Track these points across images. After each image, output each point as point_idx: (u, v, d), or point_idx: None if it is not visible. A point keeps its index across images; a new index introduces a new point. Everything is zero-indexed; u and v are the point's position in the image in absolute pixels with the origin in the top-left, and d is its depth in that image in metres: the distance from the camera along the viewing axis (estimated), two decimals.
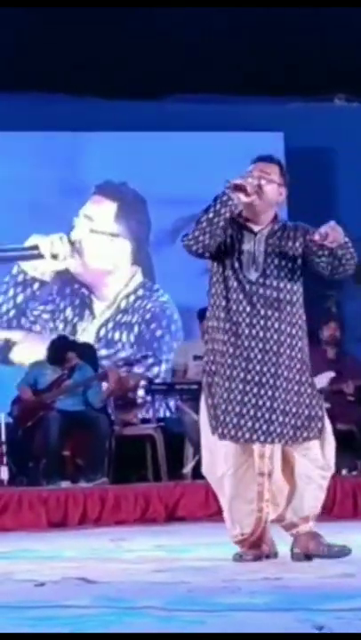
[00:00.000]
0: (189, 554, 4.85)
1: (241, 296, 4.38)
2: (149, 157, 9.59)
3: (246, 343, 4.35)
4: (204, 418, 4.48)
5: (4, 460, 7.72)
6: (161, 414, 8.79)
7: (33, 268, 9.91)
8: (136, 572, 4.17)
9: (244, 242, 4.44)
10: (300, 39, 8.86)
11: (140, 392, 8.61)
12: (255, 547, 4.42)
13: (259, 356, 4.35)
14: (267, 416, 4.32)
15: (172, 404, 8.50)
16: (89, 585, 3.77)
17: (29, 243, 9.86)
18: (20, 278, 9.88)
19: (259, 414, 4.31)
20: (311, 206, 8.59)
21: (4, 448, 7.76)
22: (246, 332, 4.36)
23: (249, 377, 4.34)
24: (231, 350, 4.36)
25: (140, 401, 8.69)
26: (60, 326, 9.83)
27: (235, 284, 4.39)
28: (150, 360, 9.42)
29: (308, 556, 4.36)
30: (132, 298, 10.02)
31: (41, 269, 9.92)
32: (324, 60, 8.98)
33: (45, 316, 9.88)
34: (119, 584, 3.78)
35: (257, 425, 4.31)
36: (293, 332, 4.41)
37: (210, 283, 4.50)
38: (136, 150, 9.61)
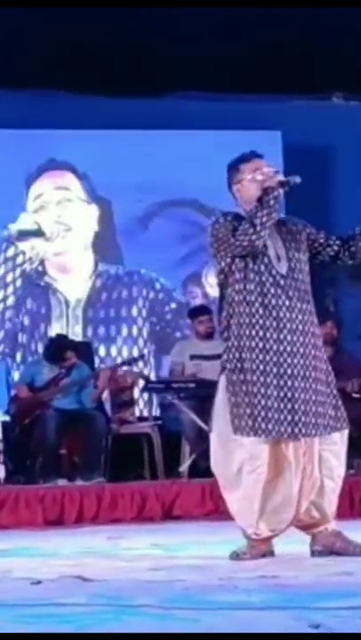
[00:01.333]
0: (186, 552, 4.84)
1: (279, 290, 4.36)
2: (148, 155, 9.57)
3: (289, 337, 4.33)
4: (221, 415, 4.40)
5: (1, 457, 7.72)
6: (158, 413, 8.79)
7: (31, 248, 9.54)
8: (132, 570, 4.17)
9: None
10: (299, 38, 8.86)
11: (137, 390, 8.60)
12: (256, 546, 4.41)
13: (301, 350, 4.34)
14: (314, 409, 4.31)
15: (169, 402, 8.51)
16: (85, 583, 3.76)
17: (27, 221, 9.53)
18: (20, 260, 9.52)
19: (308, 408, 4.30)
20: (309, 204, 8.59)
21: (1, 446, 7.75)
22: (288, 326, 4.34)
23: (295, 372, 4.32)
24: (275, 347, 4.32)
25: (136, 399, 8.69)
26: (25, 320, 9.47)
27: (270, 278, 4.37)
28: (146, 359, 9.34)
29: (332, 553, 4.36)
30: (105, 276, 9.72)
31: (37, 250, 9.55)
32: (323, 59, 8.97)
33: (8, 313, 9.53)
34: (116, 582, 3.77)
35: (308, 419, 4.30)
36: (317, 322, 4.46)
37: (231, 280, 4.42)
38: (135, 148, 9.59)
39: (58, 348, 8.11)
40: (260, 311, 4.35)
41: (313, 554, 4.40)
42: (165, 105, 9.72)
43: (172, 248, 9.76)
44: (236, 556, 4.37)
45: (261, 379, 4.31)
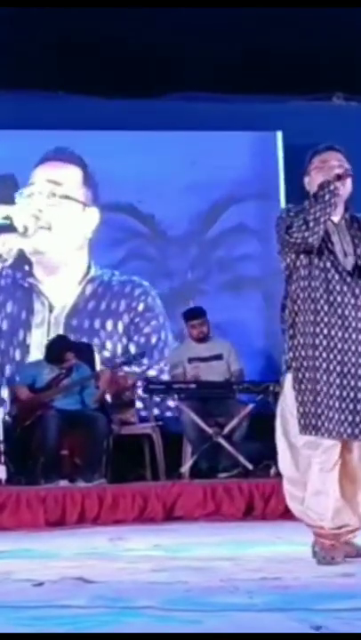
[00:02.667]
0: (187, 553, 4.84)
1: (345, 288, 4.27)
2: (146, 156, 9.55)
3: (354, 336, 4.25)
4: (288, 414, 4.31)
5: (2, 458, 7.71)
6: (159, 413, 8.78)
7: (1, 244, 8.88)
8: (134, 571, 4.16)
9: (329, 233, 4.35)
10: (299, 38, 8.85)
11: (138, 391, 8.60)
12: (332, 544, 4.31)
13: None
14: None
15: (170, 403, 8.51)
16: (87, 584, 3.76)
17: None
18: None
19: None
20: None
21: (2, 447, 7.75)
22: (353, 324, 4.25)
23: (360, 372, 4.23)
24: (340, 345, 4.23)
25: (137, 400, 8.68)
26: (4, 325, 8.88)
27: (336, 275, 4.28)
28: (146, 360, 9.14)
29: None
30: (97, 282, 9.16)
31: (9, 246, 8.88)
32: (323, 60, 8.97)
33: None
34: (117, 583, 3.77)
35: None
36: None
37: (295, 277, 4.33)
38: (133, 149, 9.57)
39: (58, 349, 8.10)
40: (325, 308, 4.25)
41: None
42: (165, 106, 9.71)
43: (106, 253, 9.29)
44: (323, 560, 4.24)
45: (325, 377, 4.22)
